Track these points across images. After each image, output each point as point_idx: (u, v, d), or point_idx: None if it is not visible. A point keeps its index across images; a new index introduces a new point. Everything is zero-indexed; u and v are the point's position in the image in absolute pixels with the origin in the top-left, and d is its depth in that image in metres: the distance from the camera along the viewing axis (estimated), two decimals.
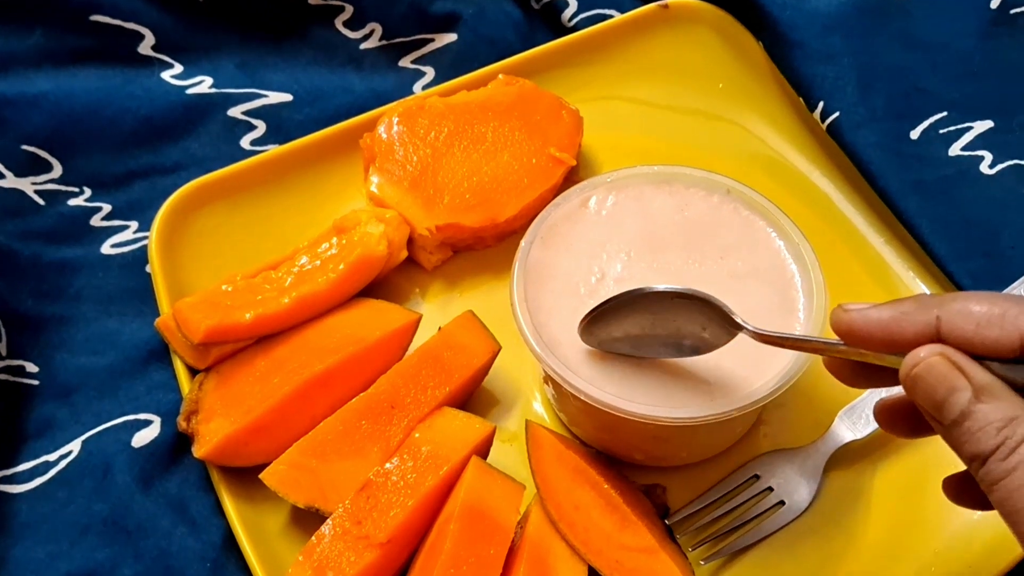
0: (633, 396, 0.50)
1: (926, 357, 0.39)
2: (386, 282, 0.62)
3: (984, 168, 0.62)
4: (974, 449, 0.37)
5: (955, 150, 0.63)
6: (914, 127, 0.64)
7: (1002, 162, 0.62)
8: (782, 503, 0.54)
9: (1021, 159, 0.63)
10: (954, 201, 0.61)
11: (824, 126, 0.64)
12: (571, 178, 0.64)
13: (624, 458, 0.55)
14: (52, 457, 0.54)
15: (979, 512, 0.53)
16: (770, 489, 0.55)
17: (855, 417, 0.56)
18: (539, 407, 0.59)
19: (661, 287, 0.49)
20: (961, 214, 0.61)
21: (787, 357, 0.51)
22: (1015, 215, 0.61)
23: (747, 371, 0.51)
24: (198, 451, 0.53)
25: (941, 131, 0.64)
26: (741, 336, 0.48)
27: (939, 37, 0.66)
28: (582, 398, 0.50)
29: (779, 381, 0.50)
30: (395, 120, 0.64)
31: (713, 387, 0.51)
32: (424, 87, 0.70)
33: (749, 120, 0.68)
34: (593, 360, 0.52)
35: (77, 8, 0.66)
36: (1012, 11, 0.67)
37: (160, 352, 0.58)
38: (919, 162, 0.62)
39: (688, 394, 0.50)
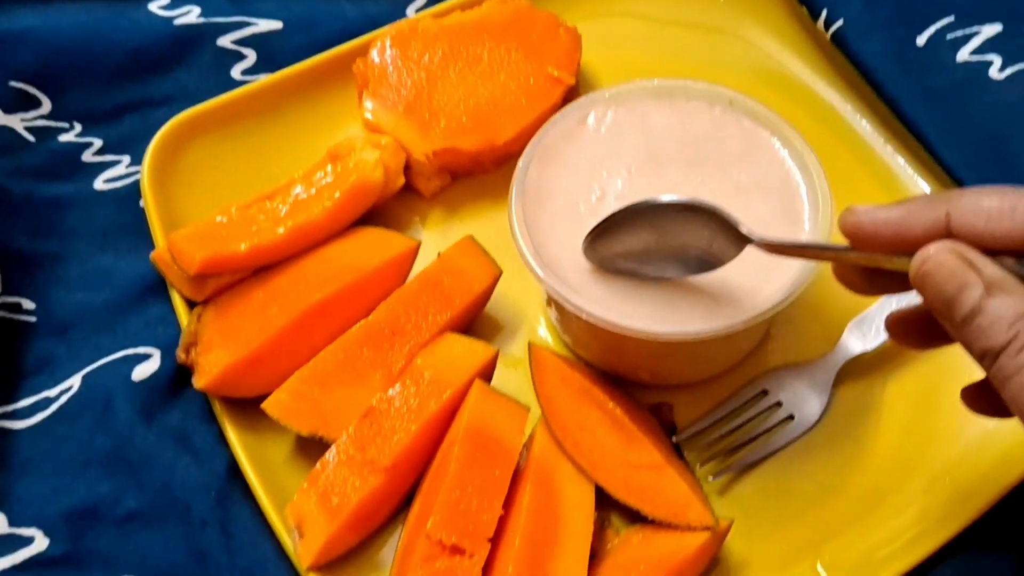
0: (636, 313, 0.49)
1: (935, 254, 0.38)
2: (385, 211, 0.61)
3: (993, 73, 0.61)
4: (985, 345, 0.36)
5: (963, 55, 0.61)
6: (920, 33, 0.62)
7: (1012, 66, 0.61)
8: (791, 417, 0.54)
9: None
10: (963, 107, 0.59)
11: (828, 35, 0.62)
12: (570, 98, 0.62)
13: (630, 378, 0.55)
14: (52, 393, 0.54)
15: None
16: (779, 404, 0.54)
17: (865, 329, 0.55)
18: (544, 332, 0.58)
19: (666, 198, 0.48)
20: (970, 120, 0.59)
21: (793, 270, 0.50)
22: None
23: (752, 285, 0.50)
24: (198, 382, 0.53)
25: (948, 36, 0.62)
26: (747, 251, 0.47)
27: None
28: (584, 317, 0.49)
29: (784, 293, 0.49)
30: (388, 44, 0.63)
31: (717, 302, 0.50)
32: (417, 10, 0.68)
33: (752, 32, 0.66)
34: (595, 279, 0.51)
35: None
36: None
37: (157, 286, 0.58)
38: (926, 69, 0.61)
39: (692, 309, 0.49)
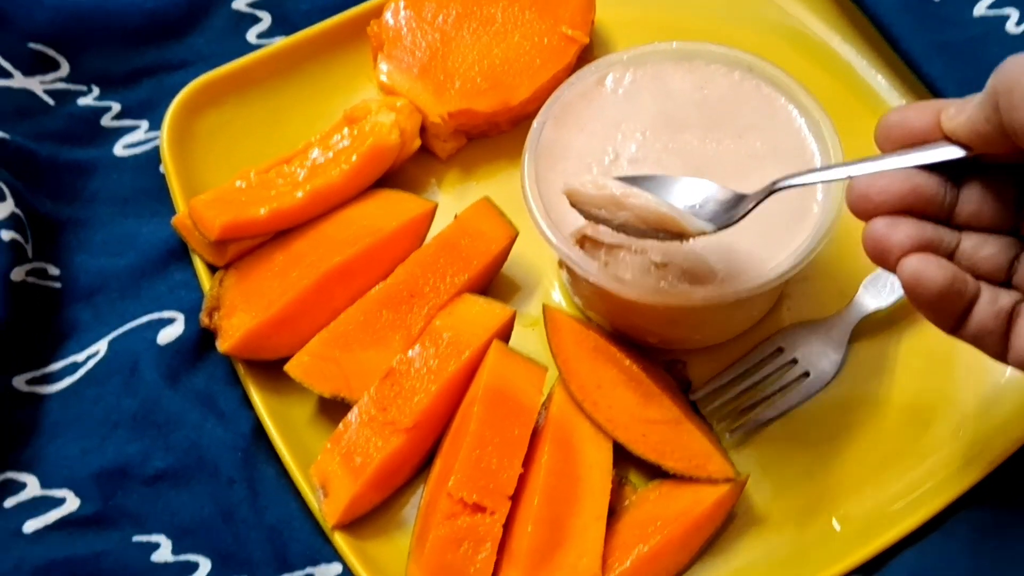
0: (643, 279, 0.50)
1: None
2: (401, 173, 0.61)
3: (1010, 27, 0.60)
4: None
5: (980, 10, 0.61)
6: None
7: None
8: (807, 374, 0.54)
9: None
10: (980, 62, 0.59)
11: None
12: (585, 57, 0.63)
13: (639, 341, 0.55)
14: (80, 358, 0.55)
15: (1006, 375, 0.53)
16: (794, 361, 0.55)
17: (880, 286, 0.55)
18: (558, 295, 0.59)
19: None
20: (987, 75, 0.59)
21: (802, 237, 0.50)
22: None
23: (761, 252, 0.50)
24: (222, 345, 0.54)
25: None
26: (759, 217, 0.47)
27: None
28: (591, 280, 0.50)
29: (793, 262, 0.50)
30: (402, 5, 0.63)
31: (726, 268, 0.50)
32: None
33: None
34: None
35: None
36: None
37: (179, 251, 0.58)
38: (943, 23, 0.60)
39: (699, 275, 0.50)
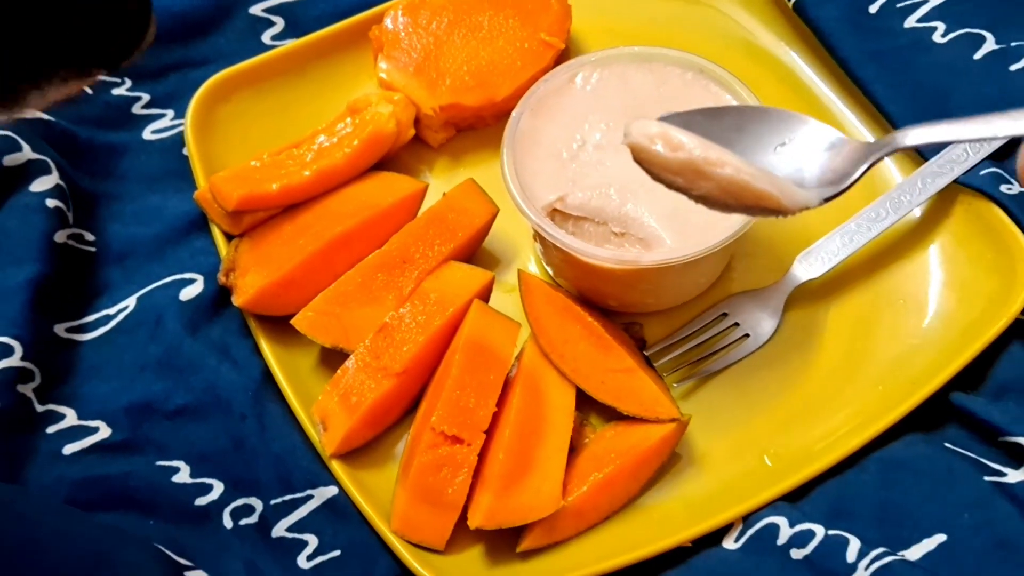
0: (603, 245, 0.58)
1: None
2: (397, 159, 0.69)
3: (937, 37, 0.68)
4: None
5: (910, 22, 0.69)
6: (873, 2, 0.69)
7: (954, 31, 0.68)
8: (747, 336, 0.62)
9: (972, 27, 0.68)
10: (908, 68, 0.67)
11: (790, 4, 0.70)
12: (561, 61, 0.70)
13: (601, 305, 0.63)
14: (112, 311, 0.63)
15: (918, 339, 0.60)
16: (737, 324, 0.62)
17: (812, 260, 0.62)
18: (534, 267, 0.66)
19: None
20: (914, 79, 0.67)
21: (739, 217, 0.57)
22: (964, 79, 0.67)
23: (706, 225, 0.58)
24: (237, 300, 0.61)
25: (898, 5, 0.69)
26: None
27: None
28: (557, 244, 0.58)
29: (730, 231, 0.57)
30: (400, 13, 0.70)
31: (675, 237, 0.58)
32: None
33: (724, 3, 0.73)
34: None
35: None
36: None
37: (199, 222, 0.66)
38: (876, 33, 0.68)
39: (651, 243, 0.58)
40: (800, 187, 0.42)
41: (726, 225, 0.58)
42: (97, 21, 0.37)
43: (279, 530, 0.57)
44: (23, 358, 0.58)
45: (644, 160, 0.44)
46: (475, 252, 0.66)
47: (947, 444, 0.57)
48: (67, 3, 0.36)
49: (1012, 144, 0.64)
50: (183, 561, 0.51)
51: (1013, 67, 0.67)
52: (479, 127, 0.70)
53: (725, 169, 0.41)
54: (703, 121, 0.44)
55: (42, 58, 0.36)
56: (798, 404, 0.60)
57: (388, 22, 0.70)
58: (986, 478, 0.56)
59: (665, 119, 0.46)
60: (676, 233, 0.58)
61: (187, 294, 0.63)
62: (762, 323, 0.62)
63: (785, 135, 0.42)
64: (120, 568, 0.47)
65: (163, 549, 0.50)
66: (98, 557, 0.47)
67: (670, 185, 0.44)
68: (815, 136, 0.42)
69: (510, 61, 0.69)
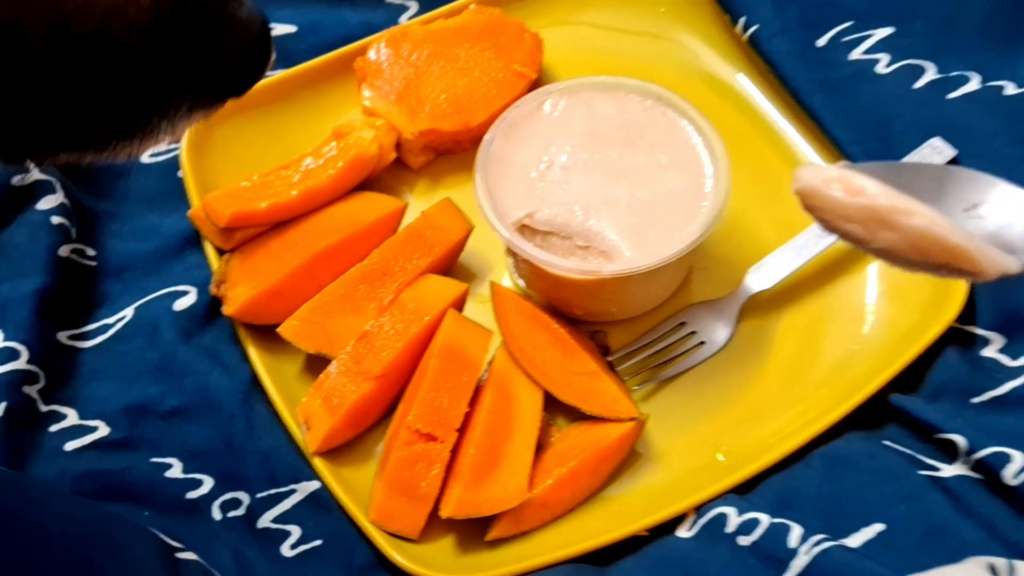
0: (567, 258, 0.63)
1: None
2: (379, 180, 0.73)
3: (880, 68, 0.73)
4: None
5: (856, 54, 0.74)
6: (821, 36, 0.74)
7: (897, 62, 0.73)
8: (703, 343, 0.66)
9: (913, 59, 0.73)
10: (853, 96, 0.72)
11: (745, 38, 0.75)
12: (533, 90, 0.76)
13: (568, 314, 0.67)
14: (111, 320, 0.67)
15: (858, 345, 0.65)
16: (694, 332, 0.67)
17: (762, 272, 0.67)
18: (507, 281, 0.71)
19: None
20: (859, 107, 0.72)
21: (695, 227, 0.62)
22: (905, 106, 0.72)
23: (662, 239, 0.63)
24: (227, 309, 0.66)
25: (845, 39, 0.74)
26: (662, 212, 0.62)
27: None
28: (526, 257, 0.62)
29: (681, 246, 0.62)
30: (383, 45, 0.75)
31: (633, 251, 0.62)
32: (409, 18, 0.81)
33: (685, 37, 0.78)
34: None
35: None
36: None
37: (193, 239, 0.70)
38: (824, 65, 0.73)
39: (612, 256, 0.63)
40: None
41: (680, 239, 0.62)
42: (227, 50, 0.39)
43: (264, 521, 0.61)
44: (29, 361, 0.62)
45: (816, 207, 0.40)
46: (452, 266, 0.70)
47: (886, 441, 0.62)
48: (198, 34, 0.37)
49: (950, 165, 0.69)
50: (175, 544, 0.55)
51: (950, 95, 0.72)
52: (456, 151, 0.75)
53: (914, 219, 0.36)
54: (882, 175, 0.41)
55: (176, 89, 0.38)
56: (749, 405, 0.64)
57: (372, 54, 0.75)
58: (921, 472, 0.60)
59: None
60: (635, 246, 0.63)
61: (181, 305, 0.67)
62: (717, 331, 0.67)
63: (976, 196, 0.39)
64: (117, 547, 0.51)
65: (157, 533, 0.54)
66: (97, 536, 0.51)
67: (845, 235, 0.40)
68: (1011, 199, 0.38)
69: (485, 90, 0.74)
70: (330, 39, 0.78)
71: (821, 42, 0.74)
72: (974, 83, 0.72)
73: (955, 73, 0.73)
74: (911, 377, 0.63)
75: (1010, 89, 0.72)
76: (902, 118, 0.71)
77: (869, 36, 0.75)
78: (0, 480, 0.55)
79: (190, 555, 0.54)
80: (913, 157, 0.69)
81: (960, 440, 0.59)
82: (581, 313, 0.67)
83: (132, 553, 0.51)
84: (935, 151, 0.69)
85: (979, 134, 0.70)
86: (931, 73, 0.73)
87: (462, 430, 0.62)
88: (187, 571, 0.53)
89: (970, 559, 0.50)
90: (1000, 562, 0.49)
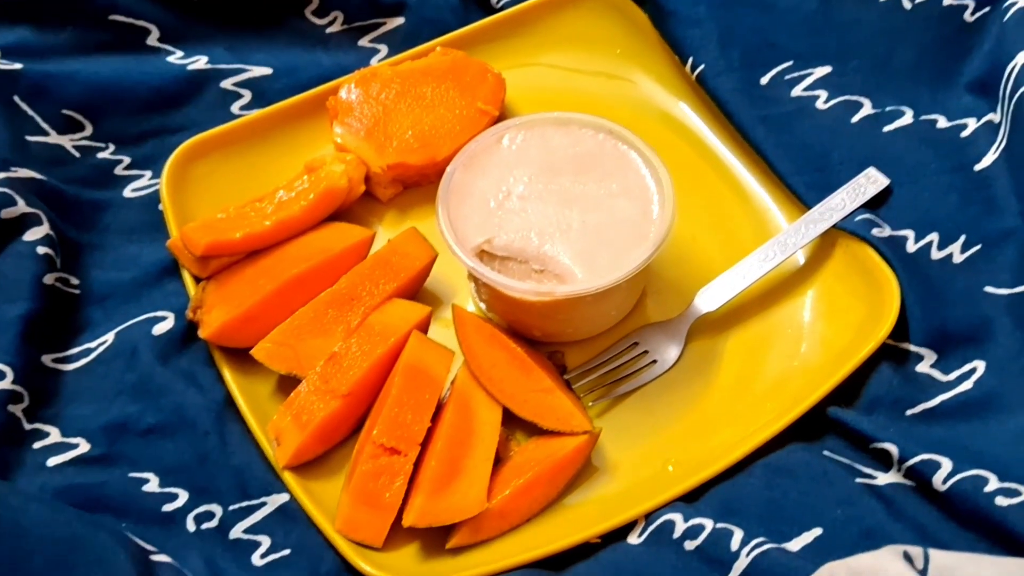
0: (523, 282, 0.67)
1: None
2: (349, 212, 0.77)
3: (819, 104, 0.78)
4: None
5: (797, 91, 0.79)
6: (764, 74, 0.79)
7: (835, 98, 0.78)
8: (655, 361, 0.70)
9: (851, 95, 0.78)
10: (793, 130, 0.77)
11: (694, 76, 0.80)
12: None
13: (526, 335, 0.71)
14: (92, 345, 0.70)
15: (795, 364, 0.69)
16: (646, 352, 0.71)
17: (711, 294, 0.71)
18: (469, 306, 0.74)
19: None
20: (799, 140, 0.76)
21: (640, 253, 0.66)
22: (843, 138, 0.76)
23: (613, 263, 0.67)
24: (203, 332, 0.69)
25: (786, 77, 0.79)
26: (613, 237, 0.66)
27: (788, 2, 0.81)
28: (483, 280, 0.66)
29: (626, 271, 0.66)
30: (353, 85, 0.79)
31: (585, 274, 0.66)
32: (379, 61, 0.85)
33: (639, 76, 0.83)
34: None
35: (99, 9, 0.82)
36: None
37: (171, 268, 0.74)
38: (766, 101, 0.78)
39: (566, 279, 0.66)
40: None
41: (629, 261, 0.66)
42: None
43: (236, 532, 0.64)
44: (14, 382, 0.66)
45: None
46: (417, 292, 0.74)
47: (825, 452, 0.65)
48: None
49: (883, 194, 0.74)
50: (150, 547, 0.58)
51: (886, 128, 0.77)
52: (423, 184, 0.79)
53: None
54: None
55: None
56: (697, 419, 0.68)
57: (343, 93, 0.79)
58: (858, 480, 0.64)
59: None
60: (587, 270, 0.67)
61: (159, 329, 0.71)
62: (668, 350, 0.71)
63: None
64: (94, 548, 0.54)
65: (132, 537, 0.57)
66: (74, 539, 0.54)
67: None
68: None
69: (450, 126, 0.78)
70: (304, 80, 0.82)
71: (764, 80, 0.79)
72: (907, 117, 0.77)
73: (890, 108, 0.78)
74: (848, 391, 0.67)
75: (942, 123, 0.77)
76: (840, 150, 0.76)
77: (809, 74, 0.80)
78: None
79: (164, 558, 0.57)
80: (849, 186, 0.73)
81: (893, 449, 0.63)
82: (539, 334, 0.71)
83: (108, 553, 0.54)
84: (870, 180, 0.74)
85: (912, 164, 0.75)
86: (867, 108, 0.78)
87: (425, 444, 0.65)
88: (161, 573, 0.56)
89: (886, 547, 0.53)
90: (915, 550, 0.52)
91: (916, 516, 0.62)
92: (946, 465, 0.62)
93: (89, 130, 0.79)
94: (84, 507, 0.62)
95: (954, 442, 0.63)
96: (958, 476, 0.61)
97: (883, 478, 0.64)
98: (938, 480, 0.62)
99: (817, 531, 0.62)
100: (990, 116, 0.76)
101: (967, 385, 0.66)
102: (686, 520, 0.62)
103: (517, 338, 0.70)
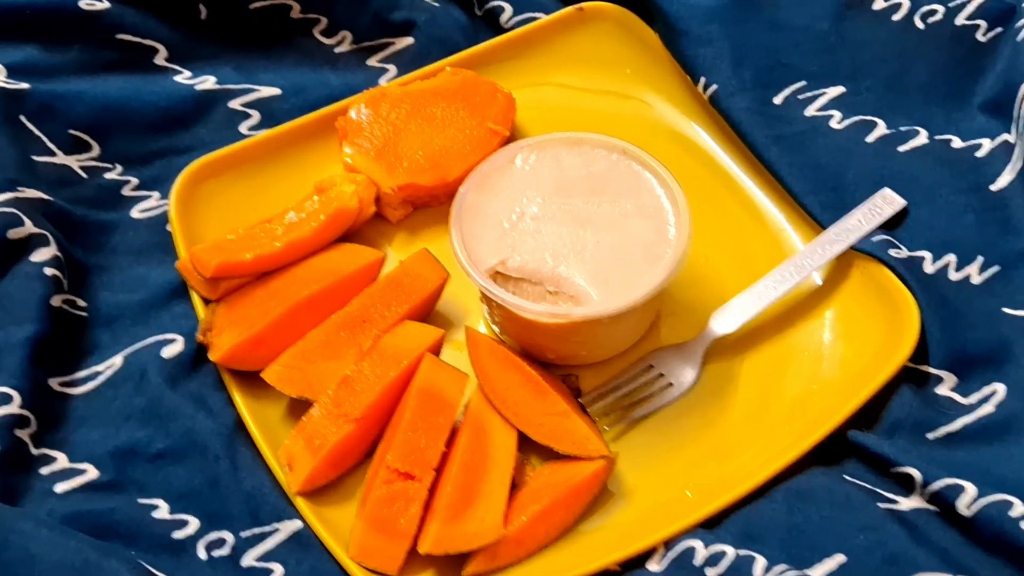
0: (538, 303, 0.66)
1: None
2: (359, 233, 0.76)
3: (833, 124, 0.78)
4: None
5: (810, 111, 0.78)
6: (777, 94, 0.79)
7: (849, 118, 0.78)
8: (671, 385, 0.69)
9: (865, 115, 0.78)
10: (807, 150, 0.76)
11: (706, 96, 0.79)
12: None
13: (540, 358, 0.70)
14: (101, 368, 0.69)
15: (815, 386, 0.68)
16: (662, 375, 0.70)
17: (726, 317, 0.70)
18: (482, 327, 0.73)
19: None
20: (813, 159, 0.76)
21: (656, 275, 0.66)
22: (857, 158, 0.76)
23: (628, 285, 0.66)
24: (213, 355, 0.68)
25: (800, 97, 0.79)
26: (628, 258, 0.66)
27: (800, 20, 0.81)
28: (500, 302, 0.65)
29: (643, 294, 0.65)
30: (363, 105, 0.79)
31: (601, 296, 0.66)
32: (388, 80, 0.85)
33: (650, 96, 0.83)
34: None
35: (105, 28, 0.81)
36: None
37: (180, 290, 0.73)
38: (780, 121, 0.77)
39: (581, 300, 0.66)
40: None
41: (645, 283, 0.66)
42: None
43: (248, 560, 0.63)
44: (21, 406, 0.64)
45: None
46: (429, 313, 0.73)
47: (846, 476, 0.64)
48: None
49: (899, 215, 0.73)
50: (160, 574, 0.57)
51: (900, 148, 0.76)
52: (433, 205, 0.78)
53: None
54: None
55: None
56: (715, 443, 0.67)
57: (352, 113, 0.79)
58: (880, 505, 0.63)
59: None
60: (603, 291, 0.66)
61: (168, 352, 0.70)
62: (684, 373, 0.70)
63: None
64: (104, 574, 0.53)
65: (144, 564, 0.56)
66: (86, 567, 0.53)
67: None
68: None
69: (460, 146, 0.78)
70: (312, 100, 0.81)
71: (777, 100, 0.79)
72: (922, 137, 0.77)
73: (904, 128, 0.77)
74: (868, 414, 0.66)
75: (956, 143, 0.76)
76: (854, 170, 0.76)
77: (822, 94, 0.79)
78: None
79: None
80: (865, 206, 0.73)
81: (916, 473, 0.62)
82: (553, 357, 0.70)
83: None
84: (886, 201, 0.73)
85: (927, 184, 0.74)
86: (881, 128, 0.77)
87: (439, 469, 0.64)
88: None
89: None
90: None
91: (940, 541, 0.61)
92: (970, 490, 0.61)
93: (96, 150, 0.78)
94: (93, 534, 0.61)
95: (977, 466, 0.62)
96: (982, 501, 0.60)
97: (905, 503, 0.63)
98: (962, 505, 0.61)
99: (840, 558, 0.61)
100: (1004, 136, 0.76)
101: (988, 408, 0.66)
102: (707, 546, 0.61)
103: (531, 361, 0.69)
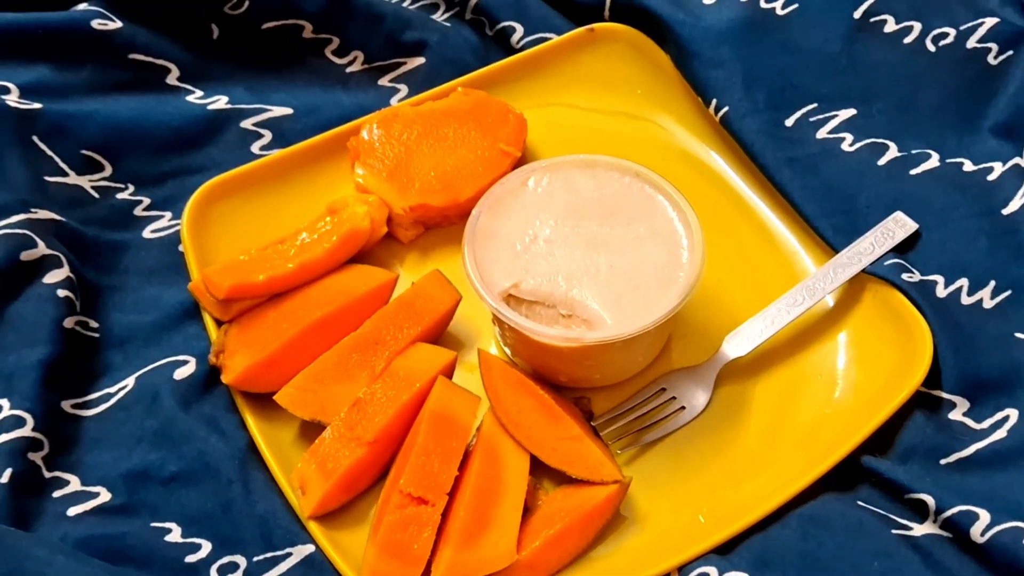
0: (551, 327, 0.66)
1: None
2: (371, 254, 0.76)
3: (845, 146, 0.78)
4: None
5: (822, 133, 0.78)
6: (789, 116, 0.79)
7: (860, 141, 0.78)
8: (683, 408, 0.69)
9: (876, 138, 0.78)
10: (819, 172, 0.76)
11: (717, 118, 0.79)
12: (517, 167, 0.79)
13: (553, 381, 0.70)
14: (113, 390, 0.69)
15: (828, 410, 0.68)
16: (674, 398, 0.70)
17: (738, 340, 0.70)
18: (494, 349, 0.73)
19: None
20: (825, 182, 0.76)
21: (669, 299, 0.66)
22: (869, 181, 0.76)
23: (641, 309, 0.66)
24: (225, 378, 0.68)
25: (811, 119, 0.79)
26: (641, 282, 0.66)
27: (811, 43, 0.82)
28: (511, 324, 0.65)
29: (656, 318, 0.65)
30: (375, 125, 0.79)
31: (614, 319, 0.66)
32: (399, 100, 0.85)
33: (661, 117, 0.83)
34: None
35: (117, 48, 0.81)
36: (872, 19, 0.82)
37: (192, 311, 0.73)
38: (791, 143, 0.77)
39: (594, 324, 0.66)
40: None
41: (659, 306, 0.66)
42: None
43: None
44: (34, 429, 0.64)
45: None
46: (441, 335, 0.73)
47: (859, 502, 0.64)
48: None
49: (911, 238, 0.73)
50: None
51: (912, 171, 0.76)
52: (445, 225, 0.78)
53: None
54: None
55: None
56: (728, 467, 0.67)
57: (364, 133, 0.79)
58: (894, 531, 0.63)
59: None
60: (616, 315, 0.66)
61: (180, 374, 0.70)
62: (696, 396, 0.70)
63: None
64: None
65: None
66: None
67: None
68: None
69: (472, 167, 0.78)
70: (324, 120, 0.82)
71: (789, 122, 0.79)
72: (933, 160, 0.77)
73: (915, 151, 0.77)
74: (882, 439, 0.66)
75: (968, 166, 0.76)
76: (866, 193, 0.76)
77: (834, 116, 0.79)
78: (6, 539, 0.57)
79: None
80: (877, 230, 0.73)
81: (930, 500, 0.62)
82: (565, 380, 0.70)
83: None
84: (898, 224, 0.73)
85: (939, 207, 0.74)
86: (893, 151, 0.77)
87: (452, 493, 0.64)
88: None
89: None
90: None
91: (954, 568, 0.61)
92: (984, 517, 0.61)
93: (108, 171, 0.78)
94: (106, 558, 0.61)
95: (991, 493, 0.62)
96: (997, 528, 0.60)
97: (919, 529, 0.63)
98: (976, 532, 0.61)
99: None
100: (1016, 160, 0.76)
101: (1001, 433, 0.66)
102: (721, 573, 0.61)
103: (544, 384, 0.69)
